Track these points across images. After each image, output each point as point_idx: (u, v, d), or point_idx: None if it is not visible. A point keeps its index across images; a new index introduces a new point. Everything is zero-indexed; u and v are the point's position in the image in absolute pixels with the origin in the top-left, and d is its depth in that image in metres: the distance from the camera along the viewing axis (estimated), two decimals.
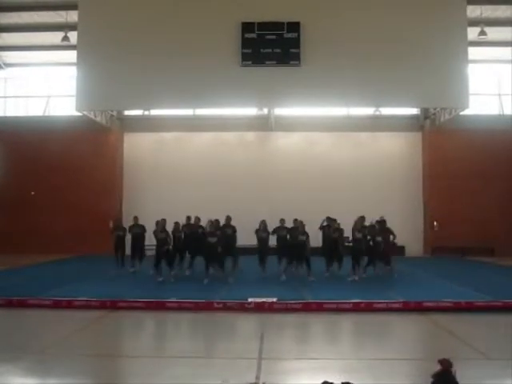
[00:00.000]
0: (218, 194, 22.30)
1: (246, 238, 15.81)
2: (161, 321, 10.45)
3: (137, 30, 15.01)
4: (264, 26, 14.76)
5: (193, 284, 13.54)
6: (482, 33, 20.09)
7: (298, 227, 14.78)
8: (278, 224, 15.35)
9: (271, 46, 14.75)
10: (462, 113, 20.03)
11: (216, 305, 10.66)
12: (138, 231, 15.73)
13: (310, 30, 14.73)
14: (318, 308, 10.55)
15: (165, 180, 23.47)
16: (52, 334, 8.79)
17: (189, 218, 15.55)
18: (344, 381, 3.64)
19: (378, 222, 15.40)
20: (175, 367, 6.96)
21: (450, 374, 3.48)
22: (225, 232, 14.75)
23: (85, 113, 19.58)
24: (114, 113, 23.58)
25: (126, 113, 24.38)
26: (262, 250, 15.21)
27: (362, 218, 15.09)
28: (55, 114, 24.18)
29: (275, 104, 17.75)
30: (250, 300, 10.73)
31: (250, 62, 14.66)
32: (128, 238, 15.99)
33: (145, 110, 22.19)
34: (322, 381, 3.75)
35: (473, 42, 18.34)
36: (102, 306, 10.68)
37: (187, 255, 15.51)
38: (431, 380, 3.50)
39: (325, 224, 15.62)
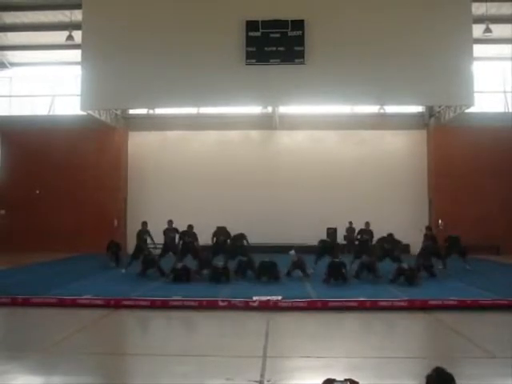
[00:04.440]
0: (222, 192, 22.35)
1: (248, 234, 15.76)
2: (165, 319, 10.44)
3: (141, 29, 15.05)
4: (268, 24, 14.76)
5: (197, 283, 13.54)
6: (487, 30, 20.00)
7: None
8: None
9: (275, 44, 14.73)
10: (467, 110, 19.93)
11: (220, 303, 10.64)
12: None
13: (314, 27, 14.70)
14: (323, 306, 10.51)
15: (169, 178, 23.48)
16: (56, 332, 8.78)
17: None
18: (347, 377, 3.62)
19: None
20: (179, 365, 6.94)
21: (443, 370, 3.41)
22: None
23: (89, 112, 19.59)
24: (119, 112, 23.59)
25: (131, 111, 24.39)
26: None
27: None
28: (60, 114, 24.20)
29: (279, 102, 17.76)
30: (254, 298, 10.72)
31: (254, 61, 14.65)
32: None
33: (149, 108, 22.23)
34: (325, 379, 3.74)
35: (478, 40, 18.24)
36: (107, 304, 10.67)
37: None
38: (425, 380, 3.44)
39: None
